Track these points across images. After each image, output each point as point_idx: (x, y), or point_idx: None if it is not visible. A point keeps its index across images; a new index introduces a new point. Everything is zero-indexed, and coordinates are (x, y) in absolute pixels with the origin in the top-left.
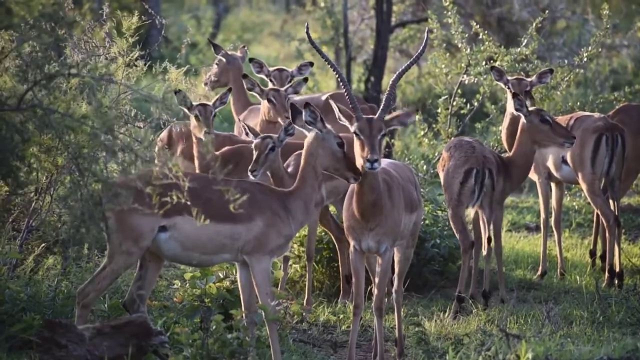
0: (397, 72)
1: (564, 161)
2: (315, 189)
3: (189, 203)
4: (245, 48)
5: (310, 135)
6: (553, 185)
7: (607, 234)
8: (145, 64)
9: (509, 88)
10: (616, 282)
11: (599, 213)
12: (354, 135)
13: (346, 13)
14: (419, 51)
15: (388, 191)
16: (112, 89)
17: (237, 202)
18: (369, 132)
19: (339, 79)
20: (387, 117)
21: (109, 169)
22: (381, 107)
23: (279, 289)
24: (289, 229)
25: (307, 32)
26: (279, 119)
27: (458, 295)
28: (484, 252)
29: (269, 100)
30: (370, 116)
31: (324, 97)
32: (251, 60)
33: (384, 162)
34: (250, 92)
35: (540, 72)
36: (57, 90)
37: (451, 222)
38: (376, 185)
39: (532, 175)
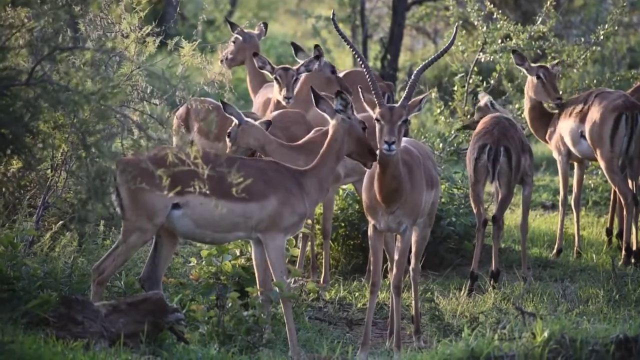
0: (423, 64)
1: (582, 136)
2: (333, 171)
3: (205, 189)
4: (262, 25)
5: (337, 121)
6: (575, 164)
7: (624, 212)
8: (159, 40)
9: (538, 75)
10: (633, 260)
11: (617, 191)
12: (375, 121)
13: None
14: (446, 45)
15: (409, 172)
16: (124, 65)
17: (243, 183)
18: (390, 118)
19: (364, 69)
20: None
21: (124, 146)
22: (404, 96)
23: (297, 267)
24: (303, 207)
25: (334, 20)
26: (279, 98)
27: (472, 272)
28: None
29: (275, 79)
30: (393, 105)
31: (341, 75)
32: (255, 55)
33: (404, 141)
34: (262, 70)
35: (560, 61)
36: (67, 65)
37: (470, 199)
38: (397, 172)
39: (553, 153)
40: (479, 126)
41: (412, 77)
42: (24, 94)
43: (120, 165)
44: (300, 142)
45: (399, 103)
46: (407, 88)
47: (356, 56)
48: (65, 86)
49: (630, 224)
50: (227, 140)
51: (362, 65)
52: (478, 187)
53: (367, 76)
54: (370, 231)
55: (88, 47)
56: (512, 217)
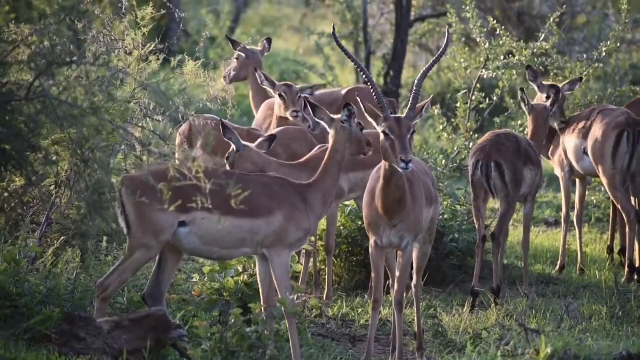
0: (422, 72)
1: (585, 153)
2: (337, 183)
3: (209, 206)
4: (266, 41)
5: (336, 129)
6: (577, 181)
7: (627, 229)
8: (161, 57)
9: (549, 95)
10: (636, 277)
11: (619, 208)
12: (383, 134)
13: (366, 7)
14: (441, 50)
15: (410, 187)
16: (127, 82)
17: (241, 197)
18: (399, 131)
19: (367, 82)
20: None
21: (127, 162)
22: (409, 106)
23: (299, 283)
24: (307, 222)
25: (334, 34)
26: (287, 114)
27: (473, 289)
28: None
29: (280, 95)
30: (399, 115)
31: (344, 92)
32: (255, 70)
33: None
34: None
35: (571, 80)
36: (67, 80)
37: (473, 214)
38: (402, 182)
39: (555, 170)
40: (477, 143)
41: (415, 86)
42: (25, 109)
43: (125, 182)
44: (302, 160)
45: (405, 114)
46: (411, 98)
47: (359, 70)
48: (60, 100)
49: (633, 240)
50: (226, 165)
51: (366, 79)
52: (478, 202)
53: (372, 89)
54: (371, 248)
55: (88, 61)
56: (515, 234)
